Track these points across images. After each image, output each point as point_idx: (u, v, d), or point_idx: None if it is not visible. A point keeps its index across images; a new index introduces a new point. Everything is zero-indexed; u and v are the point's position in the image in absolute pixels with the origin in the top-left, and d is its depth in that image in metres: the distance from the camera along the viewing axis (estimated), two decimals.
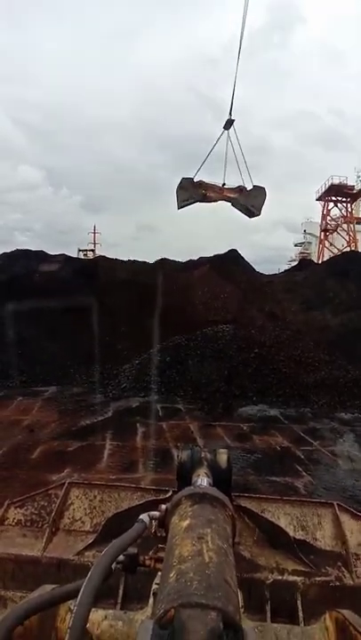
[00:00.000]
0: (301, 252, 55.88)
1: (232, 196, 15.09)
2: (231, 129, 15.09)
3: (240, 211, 15.89)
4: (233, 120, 15.25)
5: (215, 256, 24.41)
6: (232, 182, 15.34)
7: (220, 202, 15.34)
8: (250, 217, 16.42)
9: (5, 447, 7.89)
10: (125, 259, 24.61)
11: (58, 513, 2.41)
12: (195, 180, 14.63)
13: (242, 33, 14.12)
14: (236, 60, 13.32)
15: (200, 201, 15.00)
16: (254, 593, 1.93)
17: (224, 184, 15.13)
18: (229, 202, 15.34)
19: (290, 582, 2.01)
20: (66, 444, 8.24)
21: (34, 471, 6.83)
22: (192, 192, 14.47)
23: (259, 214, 15.93)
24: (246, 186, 15.31)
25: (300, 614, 1.91)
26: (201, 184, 14.73)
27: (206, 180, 15.00)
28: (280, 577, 2.02)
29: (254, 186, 15.41)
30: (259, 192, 15.53)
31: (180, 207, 14.94)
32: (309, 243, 57.87)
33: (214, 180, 15.09)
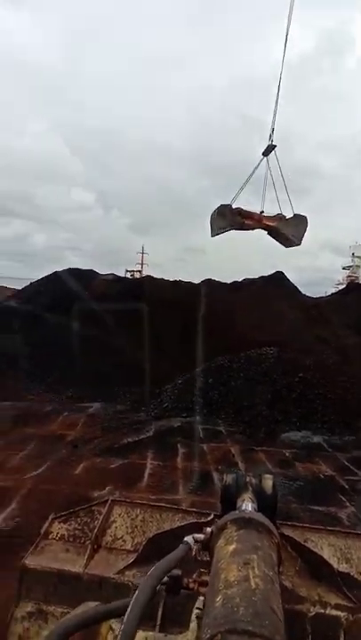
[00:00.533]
0: (349, 276, 54.67)
1: (271, 224, 14.84)
2: (273, 154, 15.01)
3: (277, 240, 15.61)
4: (274, 146, 15.10)
5: (260, 278, 24.28)
6: (274, 209, 15.13)
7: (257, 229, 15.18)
8: (287, 247, 16.09)
9: (50, 461, 8.05)
10: (171, 279, 24.87)
11: (100, 530, 2.43)
12: (233, 207, 14.50)
13: (283, 61, 14.25)
14: (283, 84, 13.37)
15: (237, 229, 14.82)
16: (295, 626, 1.88)
17: (262, 211, 14.90)
18: (268, 230, 15.11)
19: (333, 617, 1.94)
20: (108, 460, 8.32)
21: (76, 487, 6.93)
22: (230, 220, 14.29)
23: (299, 244, 15.58)
24: (286, 214, 15.05)
25: None
26: (240, 211, 14.54)
27: (244, 206, 14.88)
28: (323, 610, 1.96)
29: (295, 214, 15.09)
30: (300, 221, 15.15)
31: (215, 235, 14.81)
32: (358, 266, 56.60)
33: (253, 206, 14.95)
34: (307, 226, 15.48)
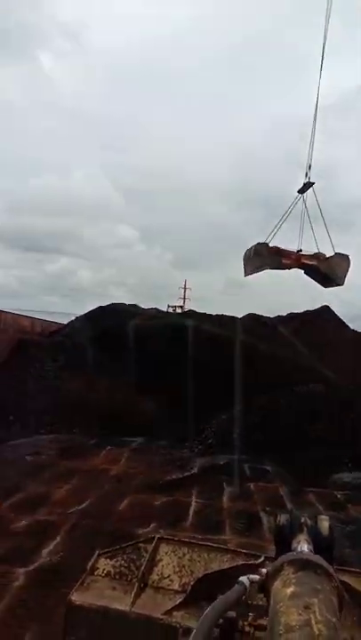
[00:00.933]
0: None
1: (310, 263, 14.49)
2: (312, 191, 14.81)
3: (315, 280, 15.23)
4: (312, 183, 14.89)
5: (306, 312, 23.90)
6: (314, 247, 14.82)
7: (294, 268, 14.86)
8: (327, 287, 15.60)
9: (93, 497, 8.01)
10: (214, 313, 24.86)
11: (147, 568, 2.37)
12: (270, 246, 14.25)
13: (317, 102, 14.44)
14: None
15: (274, 268, 14.53)
16: None
17: (300, 250, 14.61)
18: (306, 269, 14.76)
19: None
20: (152, 497, 8.20)
21: (120, 523, 6.84)
22: (267, 259, 14.01)
23: (341, 284, 15.14)
24: (326, 253, 14.67)
25: None
26: (277, 250, 14.29)
27: (283, 244, 14.61)
28: None
29: (336, 253, 14.69)
30: (341, 260, 14.71)
31: (249, 274, 14.50)
32: None
33: (293, 243, 14.69)
34: (349, 264, 14.99)
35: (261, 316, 25.19)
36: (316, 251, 14.59)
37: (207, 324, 22.19)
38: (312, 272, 15.04)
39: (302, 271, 15.42)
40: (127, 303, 23.64)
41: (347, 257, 14.70)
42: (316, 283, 15.77)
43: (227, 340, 19.39)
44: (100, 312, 21.63)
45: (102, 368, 16.56)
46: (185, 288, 64.86)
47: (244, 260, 14.60)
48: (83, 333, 19.18)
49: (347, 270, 14.69)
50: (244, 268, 14.64)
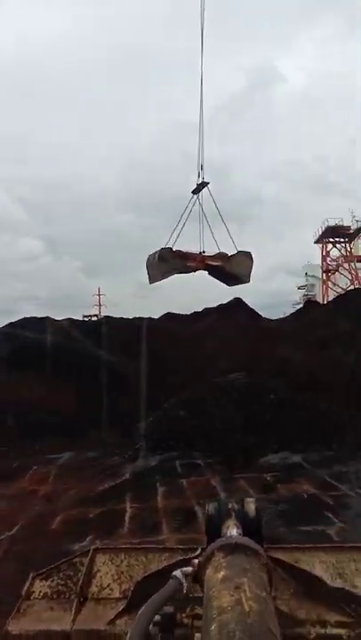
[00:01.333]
0: (306, 295, 56.28)
1: (214, 263, 14.66)
2: (209, 190, 15.00)
3: (220, 280, 15.49)
4: (206, 183, 15.08)
5: (220, 306, 24.59)
6: (221, 246, 14.94)
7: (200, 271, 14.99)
8: (232, 285, 15.95)
9: (24, 520, 7.68)
10: (131, 317, 24.83)
11: (85, 582, 2.31)
12: (173, 250, 14.18)
13: (201, 110, 14.90)
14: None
15: (181, 272, 14.48)
16: None
17: (203, 251, 14.72)
18: (212, 270, 14.92)
19: (334, 636, 1.89)
20: (86, 510, 8.03)
21: (55, 542, 6.62)
22: (173, 263, 13.96)
23: (247, 281, 15.48)
24: (228, 251, 14.93)
25: None
26: (182, 254, 14.29)
27: (186, 246, 14.69)
28: (323, 630, 1.91)
29: (239, 251, 14.94)
30: (245, 257, 14.99)
31: (156, 281, 14.30)
32: (313, 285, 58.40)
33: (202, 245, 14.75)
34: (252, 261, 15.37)
35: (178, 314, 25.58)
36: (218, 250, 14.85)
37: (124, 328, 22.11)
38: (217, 272, 15.26)
39: (206, 273, 15.64)
40: (38, 317, 22.89)
41: (249, 254, 15.08)
42: (220, 282, 16.10)
43: (145, 341, 19.45)
44: (12, 329, 20.76)
45: (17, 387, 15.89)
46: (99, 295, 64.09)
47: (149, 266, 14.33)
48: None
49: (251, 267, 15.09)
50: (150, 275, 14.34)
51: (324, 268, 51.23)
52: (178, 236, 14.28)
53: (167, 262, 13.83)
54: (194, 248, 14.74)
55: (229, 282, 15.57)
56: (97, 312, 58.24)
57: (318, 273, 54.13)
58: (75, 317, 26.61)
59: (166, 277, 13.97)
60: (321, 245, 51.01)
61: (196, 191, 15.34)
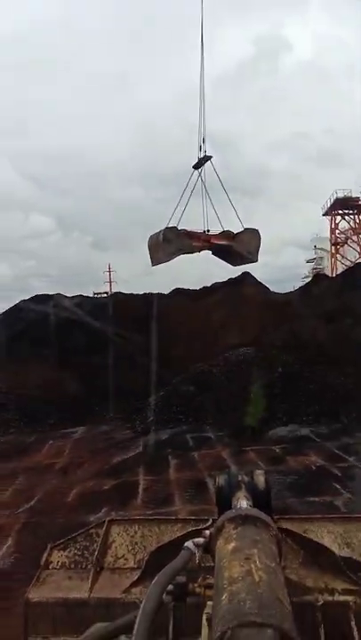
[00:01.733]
0: (314, 268, 55.62)
1: (220, 242, 13.95)
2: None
3: (224, 259, 14.81)
4: (209, 157, 14.22)
5: (229, 280, 24.48)
6: (226, 220, 14.23)
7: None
8: (238, 264, 15.25)
9: (41, 492, 7.88)
10: (141, 292, 24.83)
11: (101, 552, 2.40)
12: (178, 229, 13.39)
13: (202, 82, 14.19)
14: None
15: (186, 252, 13.73)
16: (306, 616, 1.89)
17: (208, 230, 13.99)
18: (218, 250, 14.22)
19: (341, 603, 1.96)
20: (100, 483, 8.22)
21: (71, 514, 6.81)
22: (178, 243, 13.17)
23: (255, 260, 14.80)
24: (233, 230, 14.18)
25: (356, 634, 1.86)
26: (187, 233, 13.53)
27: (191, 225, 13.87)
28: (330, 598, 1.97)
29: (245, 229, 14.19)
30: (252, 236, 14.19)
31: (161, 262, 13.47)
32: (321, 258, 57.63)
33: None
34: (260, 239, 14.66)
35: (187, 289, 25.53)
36: (222, 228, 14.15)
37: (135, 304, 22.17)
38: (222, 252, 14.61)
39: (210, 252, 14.96)
40: (50, 294, 22.97)
41: (256, 232, 14.35)
42: (226, 262, 15.49)
43: (156, 317, 19.50)
44: (23, 306, 20.90)
45: (31, 362, 16.10)
46: (110, 271, 63.86)
47: (151, 247, 13.58)
48: (7, 330, 18.48)
49: (258, 246, 14.39)
50: (153, 257, 13.56)
51: (333, 241, 50.49)
52: (182, 214, 13.68)
53: (172, 243, 13.09)
54: (198, 226, 14.12)
55: (236, 261, 14.95)
56: (107, 289, 58.15)
57: (327, 246, 53.36)
58: (85, 294, 26.68)
59: (171, 259, 13.23)
60: (330, 218, 50.18)
61: (198, 165, 14.57)
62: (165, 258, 13.22)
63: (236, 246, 14.11)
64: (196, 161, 14.53)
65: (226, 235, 14.19)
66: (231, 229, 14.26)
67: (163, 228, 13.41)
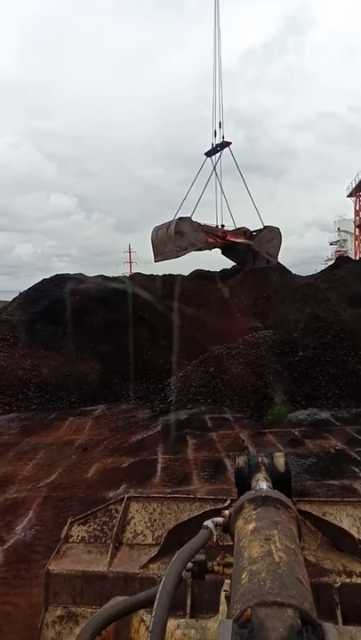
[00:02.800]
0: (338, 251, 54.85)
1: (238, 240, 12.81)
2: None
3: (235, 260, 13.62)
4: (228, 144, 12.65)
5: (253, 231, 24.12)
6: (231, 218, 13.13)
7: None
8: (247, 268, 14.09)
9: (61, 468, 8.05)
10: (161, 274, 24.82)
11: (120, 528, 2.45)
12: (193, 221, 12.04)
13: (215, 58, 13.12)
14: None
15: (200, 249, 12.46)
16: (323, 597, 1.90)
17: (223, 225, 12.89)
18: (231, 248, 13.17)
19: (359, 585, 1.97)
20: (119, 460, 8.34)
21: (91, 489, 6.94)
22: (192, 237, 11.84)
23: (275, 262, 13.86)
24: (248, 227, 13.05)
25: None
26: (202, 227, 12.24)
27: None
28: (349, 580, 1.98)
29: (265, 227, 13.04)
30: (272, 235, 13.05)
31: (169, 258, 12.04)
32: (345, 240, 56.73)
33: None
34: (281, 240, 13.48)
35: (208, 271, 25.40)
36: (229, 223, 12.89)
37: (155, 285, 22.18)
38: (234, 251, 13.36)
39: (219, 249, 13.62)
40: (72, 273, 23.12)
41: (277, 230, 13.21)
42: (236, 263, 14.22)
43: (176, 298, 19.50)
44: (45, 285, 21.09)
45: (53, 341, 16.31)
46: (130, 252, 63.96)
47: (158, 240, 12.27)
48: (29, 308, 18.71)
49: (279, 246, 13.29)
50: (158, 250, 12.08)
51: (357, 223, 49.55)
52: (196, 205, 12.55)
53: (185, 236, 11.89)
54: (205, 217, 13.03)
55: (250, 263, 13.95)
56: (127, 269, 58.37)
57: (351, 228, 52.44)
58: (107, 275, 26.77)
59: (181, 255, 12.11)
60: (355, 199, 49.16)
61: (212, 152, 13.22)
62: (174, 254, 11.93)
63: (256, 246, 13.12)
64: (210, 148, 13.18)
65: (242, 231, 13.18)
66: (247, 226, 13.38)
67: (172, 219, 12.25)
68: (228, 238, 13.06)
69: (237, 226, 13.41)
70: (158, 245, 12.50)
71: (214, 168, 13.04)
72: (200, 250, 12.71)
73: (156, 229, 12.67)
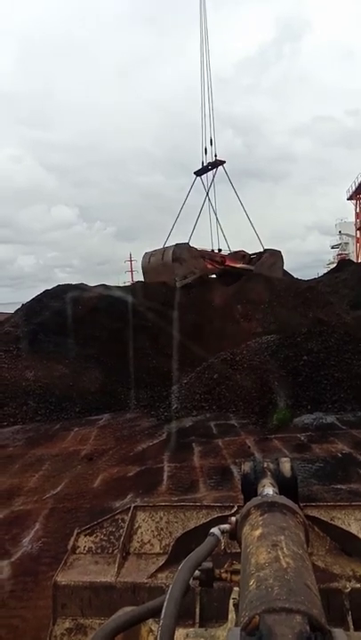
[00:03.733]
0: (339, 254, 54.86)
1: (240, 266, 12.64)
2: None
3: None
4: (221, 162, 12.02)
5: (253, 254, 24.21)
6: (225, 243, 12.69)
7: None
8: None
9: (67, 478, 8.03)
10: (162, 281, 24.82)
11: (127, 537, 2.43)
12: (191, 247, 11.67)
13: (204, 58, 12.71)
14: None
15: (200, 276, 12.17)
16: (333, 603, 1.88)
17: (220, 249, 12.69)
18: (229, 273, 12.87)
19: None
20: (125, 469, 8.31)
21: (97, 500, 6.91)
22: (192, 264, 11.65)
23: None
24: (245, 249, 12.82)
25: None
26: (201, 253, 11.99)
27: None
28: (358, 585, 1.96)
29: (266, 250, 12.81)
30: (274, 259, 12.93)
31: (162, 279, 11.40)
32: (346, 243, 56.76)
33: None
34: (283, 261, 13.38)
35: (210, 277, 25.41)
36: (218, 247, 12.39)
37: (156, 292, 22.20)
38: (234, 275, 12.99)
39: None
40: (73, 283, 23.18)
41: (279, 254, 13.11)
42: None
43: (178, 305, 19.51)
44: (47, 296, 21.15)
45: (56, 352, 16.32)
46: (130, 260, 64.13)
47: (152, 268, 11.79)
48: (31, 320, 18.75)
49: (281, 269, 13.21)
50: (151, 278, 11.75)
51: (358, 226, 49.62)
52: (193, 230, 12.10)
53: (184, 264, 11.55)
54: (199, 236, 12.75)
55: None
56: (128, 279, 58.47)
57: (352, 231, 52.50)
58: (109, 284, 26.82)
59: (182, 285, 11.63)
60: (355, 202, 49.27)
61: (203, 172, 12.55)
62: (178, 281, 11.52)
63: (257, 271, 12.89)
64: (200, 167, 12.45)
65: (240, 255, 12.84)
66: (245, 238, 13.12)
67: (164, 246, 11.50)
68: (226, 263, 12.64)
69: (231, 249, 13.03)
70: (150, 273, 12.04)
71: (207, 194, 12.48)
72: (200, 275, 12.31)
73: (149, 256, 12.16)
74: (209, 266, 11.99)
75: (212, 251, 12.39)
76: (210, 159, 11.86)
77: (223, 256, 12.34)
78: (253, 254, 12.86)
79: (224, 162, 11.66)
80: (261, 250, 12.71)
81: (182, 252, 11.04)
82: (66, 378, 14.99)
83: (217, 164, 11.60)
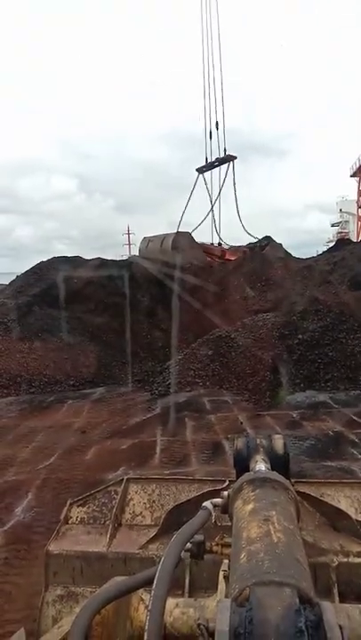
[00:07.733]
0: (339, 232, 54.49)
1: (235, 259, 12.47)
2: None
3: None
4: (233, 158, 11.19)
5: (249, 244, 24.14)
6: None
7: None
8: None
9: (60, 450, 8.10)
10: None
11: (119, 509, 2.46)
12: (192, 238, 11.40)
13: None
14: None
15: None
16: (320, 577, 1.92)
17: (220, 243, 12.48)
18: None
19: (356, 564, 1.99)
20: (118, 442, 8.39)
21: (90, 472, 6.98)
22: (191, 255, 11.30)
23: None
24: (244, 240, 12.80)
25: None
26: (202, 246, 11.78)
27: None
28: (346, 559, 2.00)
29: (268, 243, 12.63)
30: (276, 251, 12.77)
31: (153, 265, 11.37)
32: (347, 221, 56.34)
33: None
34: (283, 255, 13.36)
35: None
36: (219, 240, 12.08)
37: (153, 267, 22.06)
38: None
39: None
40: (70, 256, 22.97)
41: (280, 247, 13.13)
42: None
43: (175, 279, 19.41)
44: (42, 268, 20.96)
45: (50, 324, 16.28)
46: (128, 234, 63.58)
47: (148, 253, 11.48)
48: (26, 292, 18.63)
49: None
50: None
51: (360, 204, 49.20)
52: (198, 225, 11.80)
53: (183, 253, 11.25)
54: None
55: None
56: (126, 252, 58.06)
57: (354, 209, 52.07)
58: (106, 257, 26.61)
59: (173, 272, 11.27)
60: (358, 179, 48.75)
61: (207, 169, 11.60)
62: (169, 269, 11.15)
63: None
64: (203, 164, 11.51)
65: (242, 251, 12.72)
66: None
67: (168, 232, 11.26)
68: (226, 257, 12.39)
69: (227, 242, 12.79)
70: (149, 259, 11.82)
71: (212, 206, 11.83)
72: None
73: (147, 241, 11.91)
74: (208, 259, 11.76)
75: (212, 244, 12.17)
76: (214, 149, 10.97)
77: (223, 250, 12.16)
78: (252, 244, 12.60)
79: (235, 157, 10.59)
80: (259, 237, 12.44)
81: (182, 242, 10.66)
82: (60, 351, 15.00)
83: (227, 159, 10.49)
